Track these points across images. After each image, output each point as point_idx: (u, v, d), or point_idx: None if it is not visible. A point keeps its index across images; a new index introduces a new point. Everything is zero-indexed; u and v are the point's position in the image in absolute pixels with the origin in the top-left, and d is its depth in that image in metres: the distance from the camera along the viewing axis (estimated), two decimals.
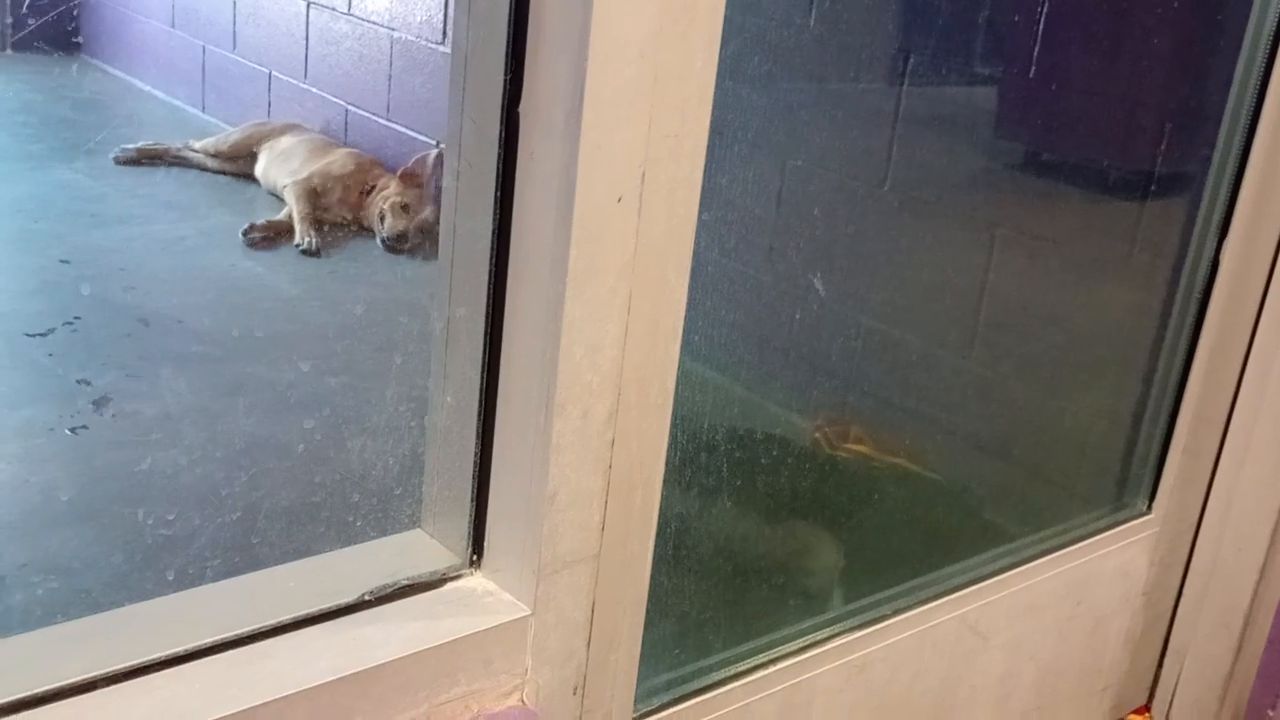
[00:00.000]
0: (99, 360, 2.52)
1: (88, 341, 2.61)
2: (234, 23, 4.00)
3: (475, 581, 0.99)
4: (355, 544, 1.02)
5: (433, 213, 3.35)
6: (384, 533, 1.05)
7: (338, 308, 2.97)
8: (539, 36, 0.86)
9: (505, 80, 0.87)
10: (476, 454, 0.97)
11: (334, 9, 3.60)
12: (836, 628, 1.37)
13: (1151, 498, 1.73)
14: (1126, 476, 1.75)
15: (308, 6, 3.69)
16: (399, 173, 3.36)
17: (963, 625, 1.51)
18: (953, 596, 1.49)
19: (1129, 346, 1.76)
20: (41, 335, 2.58)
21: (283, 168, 3.49)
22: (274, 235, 3.26)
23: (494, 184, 0.90)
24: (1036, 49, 1.65)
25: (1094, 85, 1.73)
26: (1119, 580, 1.72)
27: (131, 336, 2.64)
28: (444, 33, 3.26)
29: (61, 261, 2.95)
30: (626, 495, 0.99)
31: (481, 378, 0.95)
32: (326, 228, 3.33)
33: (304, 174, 3.39)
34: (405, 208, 3.31)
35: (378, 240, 3.31)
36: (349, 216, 3.39)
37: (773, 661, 1.30)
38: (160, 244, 3.18)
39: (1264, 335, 1.64)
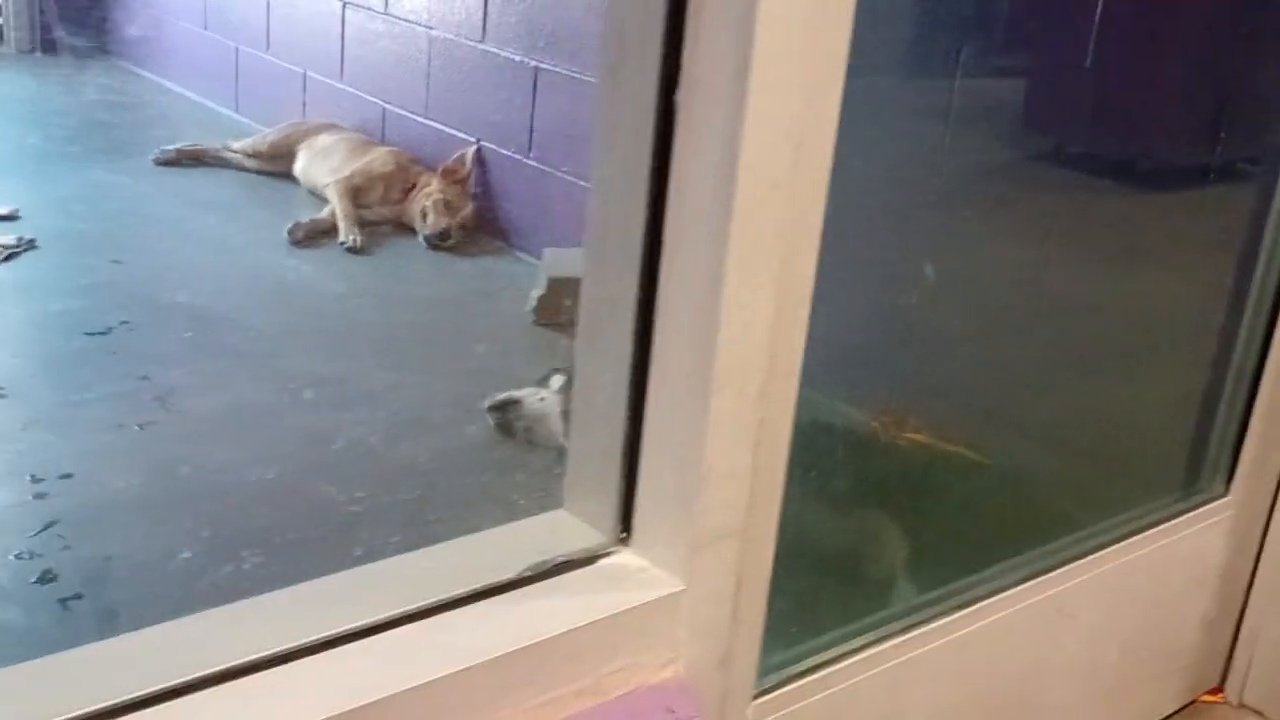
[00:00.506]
0: (158, 358, 2.54)
1: (146, 340, 2.63)
2: (268, 24, 4.02)
3: (626, 558, 1.01)
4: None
5: (473, 209, 3.38)
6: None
7: (386, 305, 2.99)
8: (699, 23, 0.88)
9: (661, 67, 0.89)
10: (627, 434, 0.99)
11: (370, 8, 3.63)
12: (937, 609, 1.39)
13: (1229, 481, 1.75)
14: (1204, 460, 1.77)
15: (344, 6, 3.71)
16: (440, 170, 3.38)
17: (1052, 606, 1.53)
18: (1043, 578, 1.51)
19: (1204, 332, 1.78)
20: (101, 334, 2.61)
21: (323, 166, 3.51)
22: (318, 234, 3.29)
23: (648, 172, 0.92)
24: (1093, 39, 1.67)
25: (1156, 75, 1.75)
26: (1197, 562, 1.74)
27: (187, 335, 2.67)
28: (483, 30, 3.29)
29: (113, 262, 2.97)
30: (766, 470, 1.01)
31: (633, 358, 0.97)
32: (368, 225, 3.35)
33: (345, 172, 3.41)
34: (447, 205, 3.33)
35: (420, 238, 3.34)
36: (390, 214, 3.42)
37: (878, 641, 1.32)
38: (206, 243, 3.21)
39: None
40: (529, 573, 0.97)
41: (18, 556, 1.89)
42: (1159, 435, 1.84)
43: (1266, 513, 1.79)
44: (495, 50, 3.26)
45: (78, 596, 1.83)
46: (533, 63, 3.16)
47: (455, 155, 3.39)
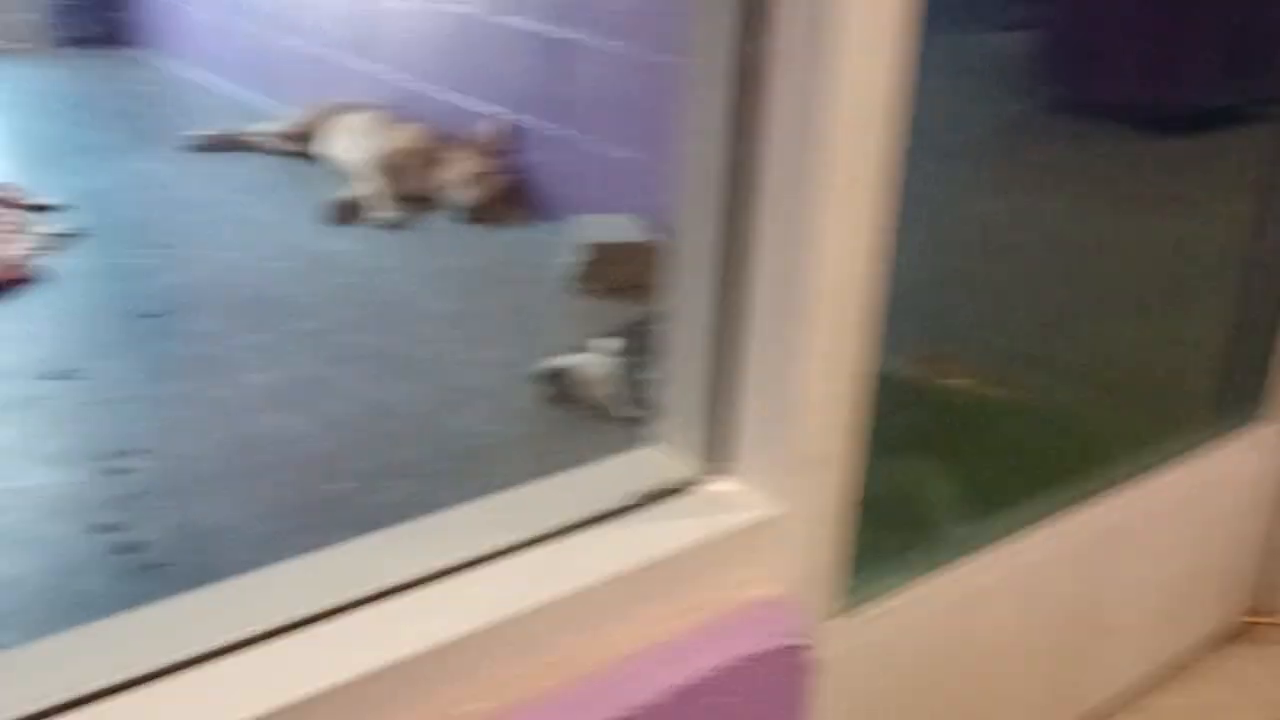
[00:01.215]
0: (215, 337, 2.61)
1: (201, 320, 2.70)
2: (288, 6, 4.07)
3: (725, 485, 1.07)
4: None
5: (506, 181, 3.43)
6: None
7: (427, 278, 3.05)
8: None
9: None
10: (724, 366, 1.05)
11: None
12: (1005, 533, 1.45)
13: (1269, 401, 1.81)
14: (1246, 385, 1.83)
15: None
16: (473, 143, 3.43)
17: (1110, 530, 1.59)
18: (1100, 503, 1.57)
19: (1236, 266, 1.84)
20: (158, 316, 2.68)
21: (354, 145, 3.57)
22: (354, 211, 3.34)
23: (733, 110, 0.98)
24: None
25: (1167, 19, 1.80)
26: (1248, 485, 1.80)
27: (240, 313, 2.74)
28: (512, 4, 3.33)
29: (161, 247, 3.04)
30: (857, 397, 1.07)
31: (728, 291, 1.03)
32: (403, 201, 3.41)
33: (377, 150, 3.47)
34: (480, 178, 3.38)
35: (454, 212, 3.40)
36: (423, 189, 3.47)
37: (950, 563, 1.39)
38: (247, 225, 3.28)
39: None
40: (634, 501, 1.03)
41: (103, 528, 1.96)
42: (1199, 364, 1.89)
43: None
44: (524, 24, 3.31)
45: (166, 564, 1.90)
46: (561, 34, 3.21)
47: (487, 129, 3.44)
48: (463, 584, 0.91)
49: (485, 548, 0.94)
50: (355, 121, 3.65)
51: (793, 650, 1.01)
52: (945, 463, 1.63)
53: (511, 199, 3.44)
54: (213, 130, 3.81)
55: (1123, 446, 1.72)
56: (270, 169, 3.70)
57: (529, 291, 3.04)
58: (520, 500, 1.02)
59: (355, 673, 0.81)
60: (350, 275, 3.02)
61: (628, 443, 2.30)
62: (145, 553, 1.91)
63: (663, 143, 3.06)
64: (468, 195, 3.37)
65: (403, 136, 3.51)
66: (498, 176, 3.42)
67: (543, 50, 3.28)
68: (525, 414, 2.41)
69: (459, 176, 3.39)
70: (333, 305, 2.83)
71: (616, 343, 2.48)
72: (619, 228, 3.09)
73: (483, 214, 3.37)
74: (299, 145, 3.75)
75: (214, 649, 0.82)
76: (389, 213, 3.31)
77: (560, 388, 2.46)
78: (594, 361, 2.46)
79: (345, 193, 3.38)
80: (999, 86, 1.74)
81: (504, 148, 3.44)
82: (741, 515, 1.02)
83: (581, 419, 2.40)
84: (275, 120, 3.85)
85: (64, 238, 3.02)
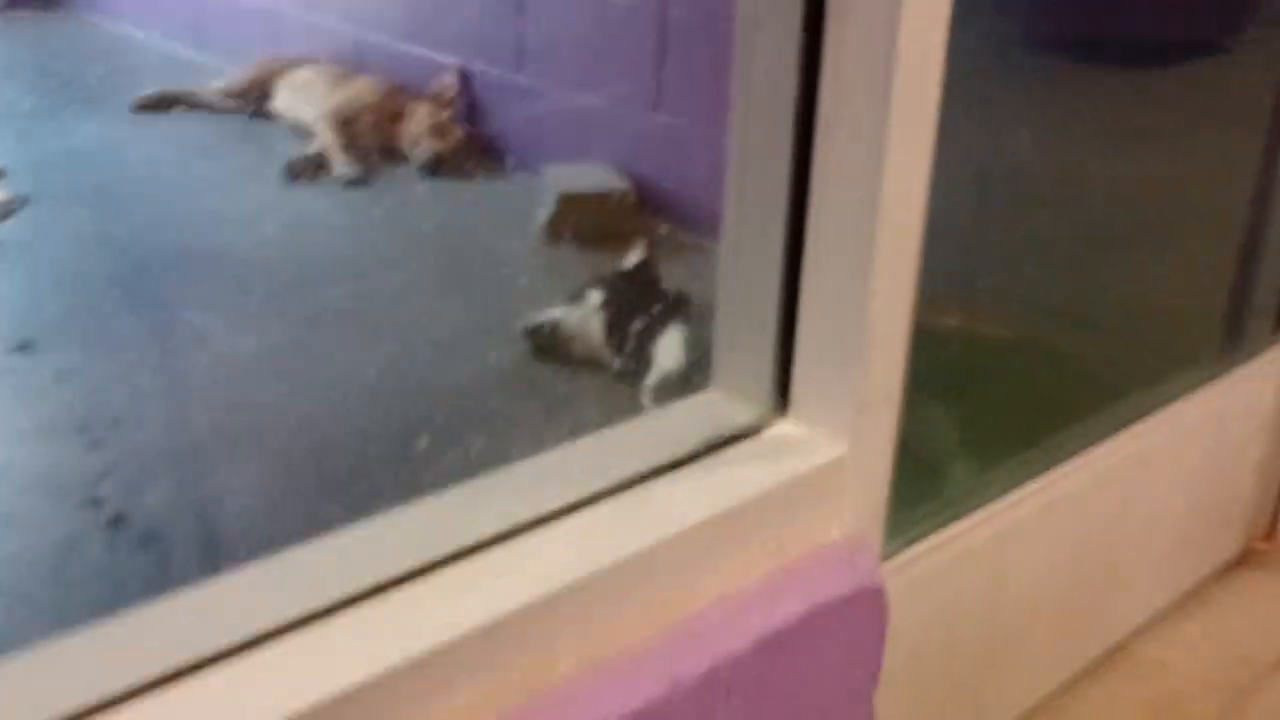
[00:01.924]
0: (180, 303, 2.52)
1: (164, 286, 2.61)
2: None
3: (787, 428, 1.03)
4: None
5: (465, 132, 3.35)
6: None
7: (393, 234, 2.98)
8: None
9: None
10: (782, 307, 1.01)
11: None
12: (1028, 474, 1.44)
13: (1275, 330, 1.81)
14: (1249, 314, 1.82)
15: None
16: (427, 95, 3.34)
17: (1128, 462, 1.58)
18: (1117, 437, 1.56)
19: (1233, 199, 1.83)
20: (117, 284, 2.58)
21: (306, 100, 3.46)
22: (312, 168, 3.25)
23: (797, 53, 0.93)
24: None
25: None
26: (1250, 412, 1.80)
27: (204, 278, 2.65)
28: None
29: (112, 212, 2.93)
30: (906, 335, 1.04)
31: (785, 231, 0.99)
32: (362, 156, 3.31)
33: (331, 105, 3.37)
34: (438, 130, 3.30)
35: (414, 166, 3.31)
36: (381, 144, 3.38)
37: (977, 506, 1.36)
38: (201, 186, 3.17)
39: None
40: (702, 447, 0.99)
41: (84, 504, 1.89)
42: (1208, 295, 1.89)
43: None
44: None
45: (153, 537, 1.83)
46: None
47: (443, 79, 3.35)
48: (541, 541, 0.87)
49: (558, 503, 0.90)
50: (306, 76, 3.54)
51: (872, 591, 0.98)
52: (965, 405, 1.62)
53: (474, 150, 3.36)
54: (154, 90, 3.68)
55: (1135, 381, 1.71)
56: (220, 128, 3.58)
57: (499, 244, 2.97)
58: (587, 452, 0.98)
59: (441, 639, 0.77)
60: (315, 234, 2.93)
61: (626, 394, 2.26)
62: (128, 527, 1.84)
63: (626, 86, 3.00)
64: (428, 148, 3.28)
65: (357, 90, 3.41)
66: (458, 128, 3.34)
67: None
68: (516, 370, 2.36)
69: (418, 129, 3.30)
70: (300, 266, 2.74)
71: (599, 294, 2.43)
72: (588, 176, 3.03)
73: (445, 166, 3.29)
74: (248, 103, 3.64)
75: (291, 620, 0.77)
76: (348, 169, 3.22)
77: (546, 342, 2.41)
78: (579, 313, 2.42)
79: (301, 150, 3.28)
80: (973, 24, 1.71)
81: (462, 98, 3.36)
82: (810, 458, 0.99)
83: (574, 372, 2.36)
84: (221, 78, 3.72)
85: (7, 205, 2.89)
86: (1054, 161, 1.75)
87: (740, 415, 1.04)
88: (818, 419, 1.02)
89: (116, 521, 1.84)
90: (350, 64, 3.62)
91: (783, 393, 1.04)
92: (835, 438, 1.01)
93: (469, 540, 0.83)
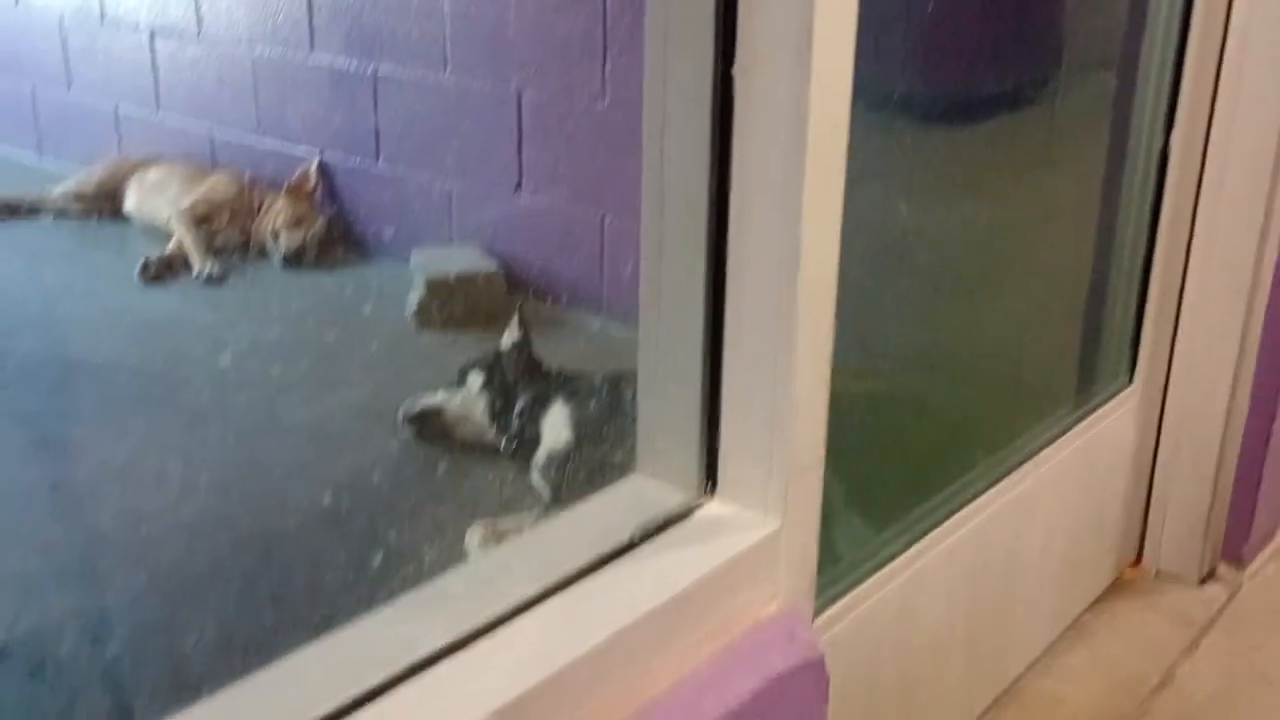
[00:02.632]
0: (43, 415, 2.45)
1: (21, 399, 2.52)
2: (66, 60, 3.85)
3: (717, 507, 1.07)
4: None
5: (324, 222, 3.34)
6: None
7: (260, 329, 2.94)
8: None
9: (717, 44, 0.96)
10: (705, 388, 1.05)
11: (182, 34, 3.52)
12: (926, 526, 1.50)
13: (1132, 370, 1.93)
14: (1108, 355, 1.95)
15: (151, 36, 3.59)
16: (284, 188, 3.33)
17: (1013, 505, 1.67)
18: (1003, 482, 1.64)
19: (1080, 243, 1.96)
20: None
21: (159, 200, 3.41)
22: (169, 269, 3.19)
23: (707, 141, 0.99)
24: None
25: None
26: (1113, 448, 1.92)
27: (68, 387, 2.57)
28: (311, 41, 3.25)
29: None
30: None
31: (705, 318, 1.03)
32: (221, 253, 3.27)
33: (186, 203, 3.32)
34: (297, 221, 3.29)
35: (275, 259, 3.29)
36: (239, 239, 3.35)
37: (891, 558, 1.43)
38: (55, 293, 3.08)
39: (1205, 200, 1.85)
40: (638, 534, 1.02)
41: None
42: (1063, 341, 2.01)
43: (1162, 393, 1.98)
44: (327, 60, 3.22)
45: (42, 667, 1.76)
46: (370, 67, 3.15)
47: (299, 171, 3.34)
48: (495, 647, 0.88)
49: (505, 606, 0.92)
50: (157, 175, 3.48)
51: (815, 662, 1.02)
52: (852, 464, 1.68)
53: (335, 240, 3.35)
54: None
55: (1005, 429, 1.80)
56: (66, 233, 3.49)
57: (370, 332, 2.96)
58: (525, 550, 1.00)
59: None
60: (179, 335, 2.88)
61: (515, 472, 2.25)
62: (25, 656, 1.77)
63: (478, 169, 3.04)
64: (287, 240, 3.27)
65: (211, 186, 3.38)
66: (318, 218, 3.33)
67: (353, 86, 3.20)
68: (401, 457, 2.36)
69: (277, 222, 3.28)
70: (166, 368, 2.69)
71: (479, 376, 2.45)
72: (455, 259, 3.06)
73: (307, 258, 3.27)
74: (96, 205, 3.55)
75: None
76: (207, 266, 3.17)
77: (428, 427, 2.41)
78: (460, 397, 2.43)
79: (158, 251, 3.22)
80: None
81: (318, 189, 3.35)
82: (746, 536, 1.03)
83: (461, 455, 2.36)
84: (66, 181, 3.62)
85: None
86: (902, 217, 1.83)
87: (669, 499, 1.07)
88: (746, 496, 1.06)
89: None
90: (202, 161, 3.58)
91: (709, 473, 1.08)
92: (767, 513, 1.05)
93: (422, 653, 0.84)
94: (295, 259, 3.26)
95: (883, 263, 1.76)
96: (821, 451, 1.07)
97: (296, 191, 3.32)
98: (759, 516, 1.06)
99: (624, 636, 0.91)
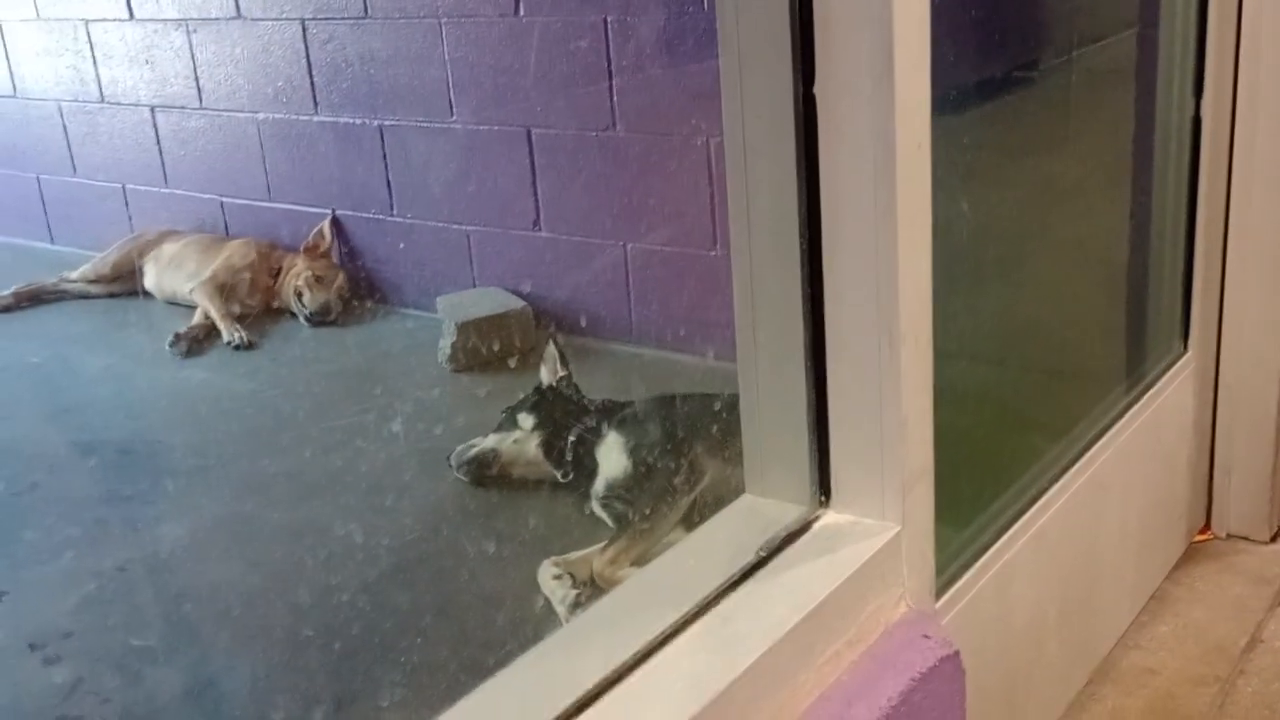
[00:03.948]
0: (100, 499, 2.46)
1: (78, 485, 2.54)
2: (68, 146, 3.87)
3: (834, 517, 1.09)
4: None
5: (345, 278, 3.36)
6: None
7: (299, 391, 2.96)
8: (828, 20, 0.96)
9: (796, 66, 0.97)
10: (812, 408, 1.06)
11: (184, 107, 3.55)
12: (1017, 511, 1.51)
13: (1185, 338, 1.95)
14: (1163, 327, 1.96)
15: (153, 111, 3.62)
16: (301, 248, 3.35)
17: (1090, 483, 1.68)
18: (1080, 461, 1.65)
19: (1138, 215, 1.96)
20: (27, 491, 2.50)
21: (178, 274, 3.43)
22: (199, 341, 3.21)
23: (794, 161, 1.00)
24: None
25: None
26: (1176, 418, 1.93)
27: (119, 467, 2.58)
28: (314, 102, 3.27)
29: (8, 417, 2.84)
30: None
31: (806, 339, 1.05)
32: (245, 319, 3.29)
33: (206, 274, 3.34)
34: (319, 280, 3.31)
35: (300, 319, 3.30)
36: (263, 303, 3.36)
37: (983, 550, 1.43)
38: (90, 377, 3.10)
39: (1238, 164, 1.87)
40: (764, 552, 1.03)
41: None
42: (1116, 315, 2.01)
43: (1215, 358, 2.00)
44: (332, 119, 3.25)
45: None
46: (375, 121, 3.17)
47: (314, 230, 3.36)
48: (648, 678, 0.89)
49: (651, 635, 0.93)
50: (174, 249, 3.50)
51: (951, 657, 1.03)
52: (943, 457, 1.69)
53: (358, 294, 3.37)
54: (14, 287, 3.57)
55: (1076, 412, 1.81)
56: (90, 316, 3.50)
57: (406, 381, 2.98)
58: (658, 577, 1.01)
59: None
60: (219, 405, 2.89)
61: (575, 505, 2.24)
62: None
63: (494, 210, 3.06)
64: (311, 299, 3.28)
65: (229, 254, 3.40)
66: (337, 274, 3.34)
67: (353, 141, 3.23)
68: (463, 502, 2.37)
69: (298, 282, 3.30)
70: (214, 439, 2.70)
71: (530, 417, 2.46)
72: (481, 301, 3.07)
73: (331, 315, 3.29)
74: (115, 286, 3.57)
75: None
76: (235, 334, 3.19)
77: (483, 470, 2.42)
78: (513, 438, 2.44)
79: (184, 325, 3.24)
80: None
81: (334, 245, 3.37)
82: (871, 542, 1.04)
83: (514, 494, 2.38)
84: (83, 266, 3.64)
85: None
86: (945, 204, 1.83)
87: (786, 514, 1.08)
88: (863, 505, 1.08)
89: None
90: (216, 230, 3.60)
91: (823, 487, 1.09)
92: (885, 519, 1.07)
93: (584, 689, 0.85)
94: (321, 316, 3.28)
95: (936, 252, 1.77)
96: (931, 455, 1.08)
97: (313, 251, 3.34)
98: (878, 523, 1.07)
99: (772, 655, 0.92)
